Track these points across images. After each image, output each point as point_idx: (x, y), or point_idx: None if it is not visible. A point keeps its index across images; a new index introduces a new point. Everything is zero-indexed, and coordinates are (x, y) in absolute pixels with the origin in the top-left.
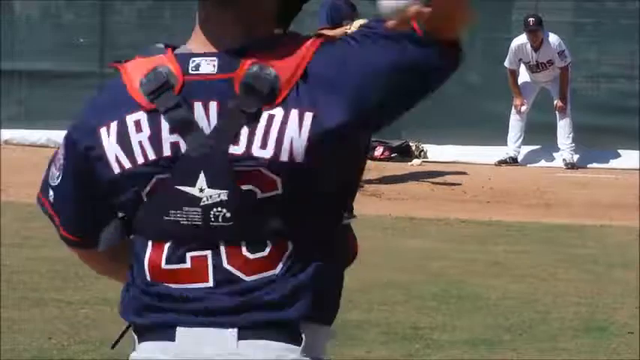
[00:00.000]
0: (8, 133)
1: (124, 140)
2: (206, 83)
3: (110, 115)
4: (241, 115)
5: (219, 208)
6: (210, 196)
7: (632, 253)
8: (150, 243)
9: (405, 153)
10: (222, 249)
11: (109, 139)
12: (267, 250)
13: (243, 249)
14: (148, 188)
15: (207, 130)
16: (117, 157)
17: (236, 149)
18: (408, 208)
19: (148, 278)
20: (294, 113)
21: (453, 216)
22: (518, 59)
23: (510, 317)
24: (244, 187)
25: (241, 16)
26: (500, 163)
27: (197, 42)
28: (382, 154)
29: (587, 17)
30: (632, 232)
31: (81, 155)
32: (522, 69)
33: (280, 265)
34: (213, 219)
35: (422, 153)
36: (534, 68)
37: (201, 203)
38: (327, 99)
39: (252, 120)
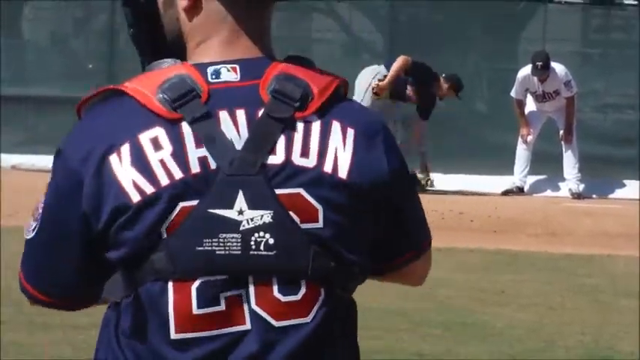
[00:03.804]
0: (17, 159)
1: (141, 162)
2: (230, 91)
3: (118, 137)
4: (273, 123)
5: (262, 233)
6: (252, 219)
7: (638, 283)
8: (170, 286)
9: None
10: (252, 288)
11: (121, 165)
12: (301, 293)
13: (275, 289)
14: (169, 220)
15: (237, 143)
16: (134, 183)
17: (274, 159)
18: None
19: (172, 332)
20: (336, 125)
21: (460, 245)
22: (524, 89)
23: (515, 346)
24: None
25: (257, 30)
26: (507, 192)
27: (206, 55)
28: None
29: (593, 48)
30: (638, 262)
31: (85, 191)
32: (529, 99)
33: (312, 314)
34: (254, 246)
35: (429, 182)
36: (540, 98)
37: (241, 228)
38: (370, 130)
39: (287, 128)
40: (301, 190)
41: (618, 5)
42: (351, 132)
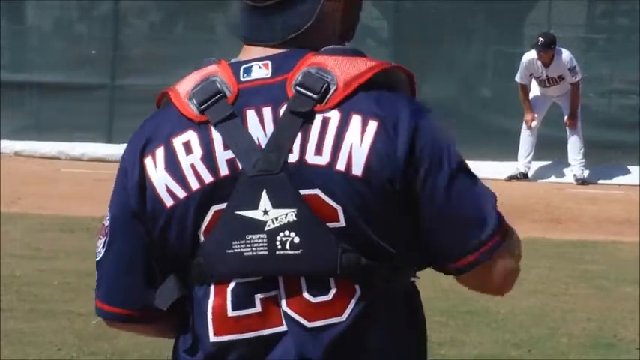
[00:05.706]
0: (20, 145)
1: (173, 167)
2: (260, 88)
3: (156, 140)
4: (294, 119)
5: (287, 232)
6: (276, 218)
7: None
8: (212, 288)
9: None
10: (282, 289)
11: (155, 169)
12: (332, 293)
13: (304, 290)
14: (205, 223)
15: (263, 141)
16: (167, 188)
17: (292, 157)
18: None
19: (211, 335)
20: (356, 118)
21: None
22: (529, 74)
23: (519, 333)
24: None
25: (291, 22)
26: (511, 178)
27: (248, 53)
28: None
29: (599, 33)
30: None
31: (131, 193)
32: (533, 83)
33: (348, 311)
34: (279, 245)
35: None
36: (544, 83)
37: (266, 228)
38: (397, 120)
39: (306, 122)
40: (318, 192)
41: None
42: (372, 125)
